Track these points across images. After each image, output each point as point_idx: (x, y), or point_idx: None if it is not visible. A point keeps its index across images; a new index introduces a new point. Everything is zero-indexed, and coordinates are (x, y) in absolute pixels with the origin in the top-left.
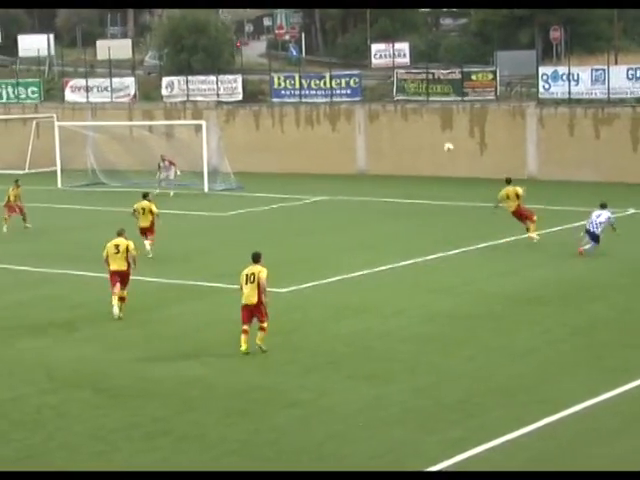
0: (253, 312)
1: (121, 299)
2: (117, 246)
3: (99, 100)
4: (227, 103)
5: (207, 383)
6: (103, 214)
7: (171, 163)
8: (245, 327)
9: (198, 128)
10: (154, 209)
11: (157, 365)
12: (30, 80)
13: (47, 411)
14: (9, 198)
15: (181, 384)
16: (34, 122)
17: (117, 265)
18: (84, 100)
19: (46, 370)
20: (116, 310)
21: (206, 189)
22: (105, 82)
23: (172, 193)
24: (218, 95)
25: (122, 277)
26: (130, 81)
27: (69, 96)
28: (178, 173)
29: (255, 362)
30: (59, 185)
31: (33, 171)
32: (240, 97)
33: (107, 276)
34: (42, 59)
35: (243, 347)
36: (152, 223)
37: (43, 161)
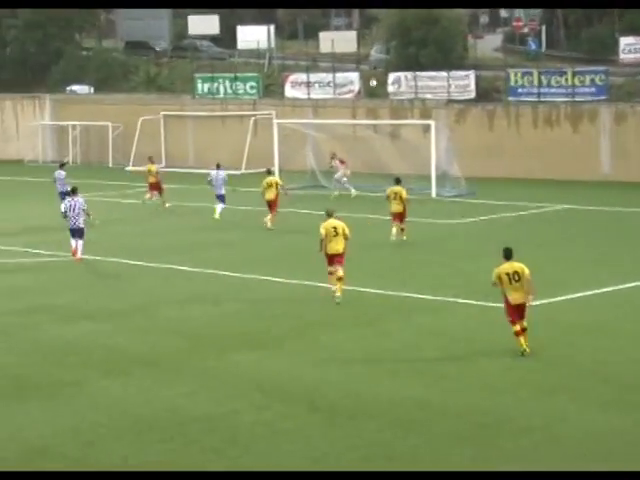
0: (522, 311)
1: (339, 279)
2: (335, 228)
3: (320, 97)
4: (458, 102)
5: (427, 403)
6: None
7: (342, 162)
8: (518, 327)
9: (426, 128)
10: (404, 194)
11: (373, 382)
12: (249, 75)
13: (260, 428)
14: (271, 189)
15: (399, 404)
16: (252, 119)
17: (335, 246)
18: (305, 96)
19: (258, 384)
20: (338, 294)
21: (434, 194)
22: (327, 77)
23: (336, 193)
24: (449, 93)
25: (339, 258)
26: (354, 76)
27: (289, 92)
28: (348, 173)
29: (481, 383)
30: None
31: (250, 171)
32: (472, 95)
33: (329, 285)
34: (261, 52)
35: (524, 347)
36: (404, 208)
37: (259, 161)
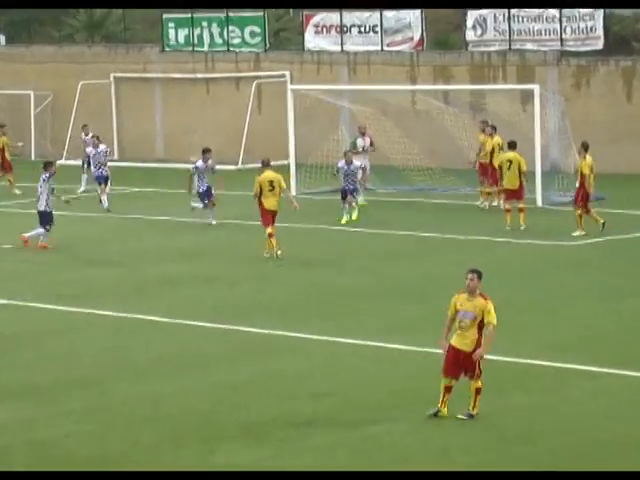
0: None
1: (270, 236)
2: (271, 181)
3: (361, 48)
4: (578, 54)
5: None
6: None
7: (371, 142)
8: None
9: (526, 97)
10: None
11: None
12: (249, 15)
13: None
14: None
15: None
16: (253, 84)
17: (273, 202)
18: (337, 48)
19: None
20: (279, 251)
21: (539, 202)
22: (372, 18)
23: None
24: (562, 41)
25: (274, 216)
26: (413, 17)
27: (312, 41)
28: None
29: None
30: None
31: (251, 166)
32: (600, 45)
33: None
34: None
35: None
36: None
37: (262, 148)
